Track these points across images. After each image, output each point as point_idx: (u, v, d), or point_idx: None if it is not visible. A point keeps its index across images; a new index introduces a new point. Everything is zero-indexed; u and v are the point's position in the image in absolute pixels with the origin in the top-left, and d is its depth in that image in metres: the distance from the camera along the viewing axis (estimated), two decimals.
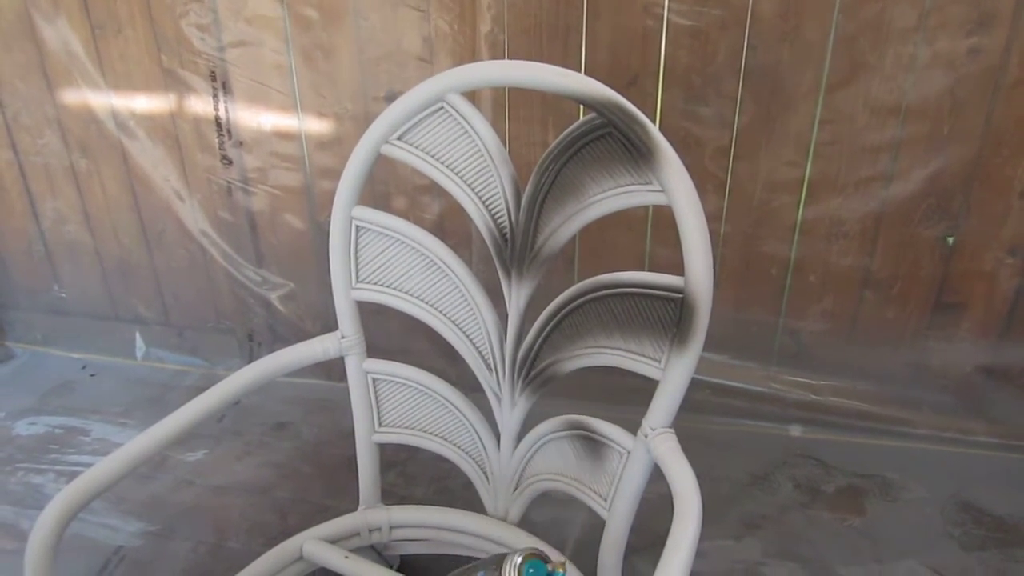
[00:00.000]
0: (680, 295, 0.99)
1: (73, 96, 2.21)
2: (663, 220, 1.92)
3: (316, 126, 2.07)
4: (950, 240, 1.82)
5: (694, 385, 1.05)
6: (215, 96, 2.09)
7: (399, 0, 1.86)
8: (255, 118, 2.10)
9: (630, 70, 1.75)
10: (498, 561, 0.96)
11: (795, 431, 2.08)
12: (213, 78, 2.08)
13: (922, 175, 1.78)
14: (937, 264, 1.86)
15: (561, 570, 0.99)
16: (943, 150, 1.75)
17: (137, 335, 2.57)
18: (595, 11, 1.77)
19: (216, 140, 2.15)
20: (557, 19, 1.81)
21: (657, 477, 1.10)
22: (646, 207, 1.86)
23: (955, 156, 1.75)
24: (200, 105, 2.12)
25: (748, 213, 1.90)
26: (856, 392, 2.06)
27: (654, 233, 1.93)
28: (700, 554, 0.81)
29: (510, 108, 1.90)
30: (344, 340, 1.31)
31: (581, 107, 1.73)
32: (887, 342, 1.99)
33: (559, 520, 1.70)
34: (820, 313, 2.00)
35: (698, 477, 0.94)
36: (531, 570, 0.95)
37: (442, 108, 1.11)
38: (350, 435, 1.43)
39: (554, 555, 1.00)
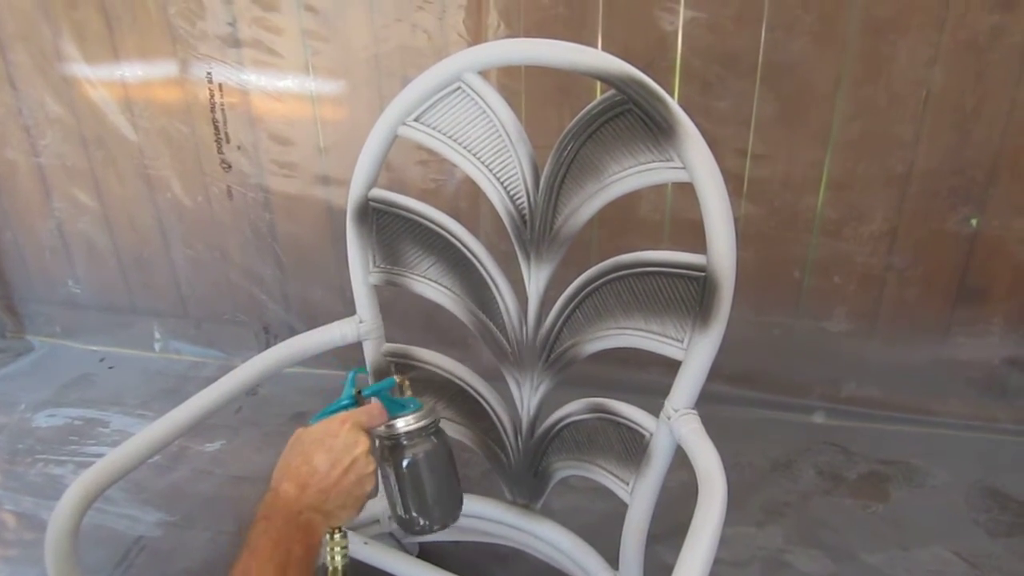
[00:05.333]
0: (703, 273, 0.97)
1: (87, 92, 2.22)
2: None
3: (330, 112, 2.07)
4: (974, 221, 1.79)
5: (712, 374, 1.03)
6: (225, 93, 2.09)
7: None
8: (270, 111, 2.10)
9: (645, 65, 1.74)
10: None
11: (817, 418, 2.06)
12: (210, 79, 2.09)
13: (946, 160, 1.76)
14: (961, 248, 1.84)
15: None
16: (967, 134, 1.73)
17: (155, 327, 2.57)
18: (609, 5, 1.76)
19: (224, 132, 2.15)
20: (571, 13, 1.80)
21: (676, 465, 1.08)
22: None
23: (979, 139, 1.72)
24: (212, 99, 2.12)
25: (769, 213, 1.89)
26: (879, 383, 2.03)
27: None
28: (722, 541, 0.79)
29: (526, 93, 1.89)
30: (362, 325, 1.30)
31: (598, 89, 1.72)
32: (912, 333, 1.97)
33: (580, 508, 1.69)
34: (844, 314, 1.98)
35: None
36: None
37: (459, 88, 1.09)
38: None
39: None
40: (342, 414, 0.93)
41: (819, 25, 1.69)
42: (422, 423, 0.99)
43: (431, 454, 1.00)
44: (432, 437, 1.01)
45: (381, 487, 1.03)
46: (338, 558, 0.96)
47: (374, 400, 0.99)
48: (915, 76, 1.69)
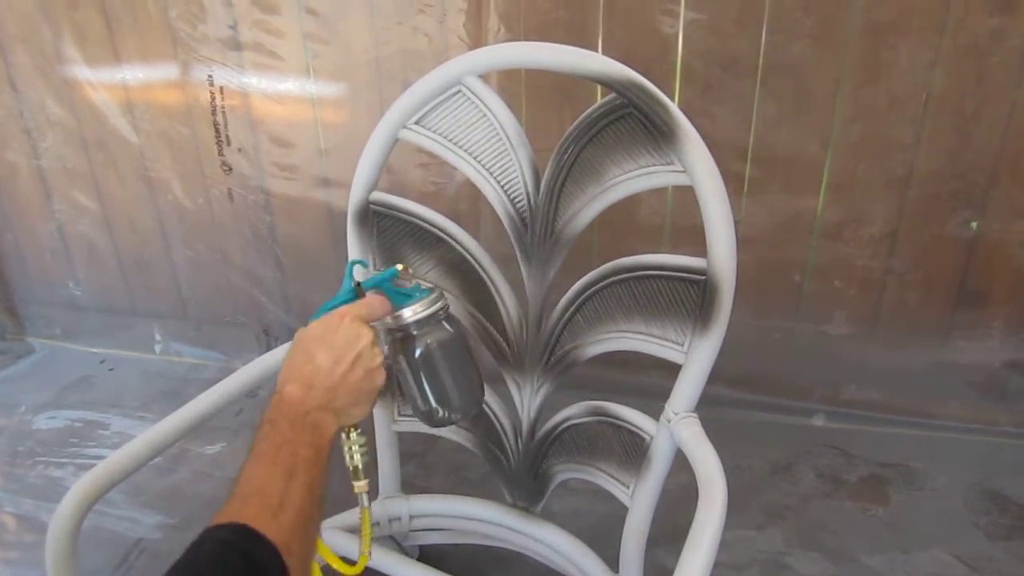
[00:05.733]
0: (703, 277, 0.97)
1: (88, 94, 2.22)
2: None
3: (331, 115, 2.07)
4: (974, 224, 1.79)
5: (712, 377, 1.03)
6: (224, 95, 2.09)
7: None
8: (271, 113, 2.10)
9: (645, 68, 1.74)
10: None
11: (817, 421, 2.06)
12: (211, 82, 2.09)
13: (946, 163, 1.76)
14: (961, 251, 1.84)
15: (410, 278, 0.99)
16: (967, 137, 1.73)
17: (155, 329, 2.58)
18: (610, 7, 1.76)
19: (225, 135, 2.15)
20: (571, 16, 1.80)
21: (677, 468, 1.08)
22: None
23: (980, 142, 1.72)
24: (214, 100, 2.12)
25: (768, 216, 1.89)
26: (879, 385, 2.03)
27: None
28: (722, 544, 0.79)
29: (526, 95, 1.89)
30: None
31: (599, 92, 1.72)
32: (912, 337, 1.97)
33: (580, 511, 1.69)
34: (844, 317, 1.98)
35: None
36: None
37: (459, 91, 1.10)
38: (369, 427, 1.41)
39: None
40: (340, 309, 0.90)
41: (819, 28, 1.69)
42: (431, 310, 0.95)
43: (444, 341, 0.97)
44: (443, 323, 0.98)
45: (397, 382, 1.00)
46: (356, 456, 0.95)
47: (375, 292, 0.96)
48: (915, 79, 1.70)
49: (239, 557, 0.68)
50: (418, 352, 0.97)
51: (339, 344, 0.86)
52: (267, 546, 0.69)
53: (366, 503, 0.99)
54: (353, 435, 0.94)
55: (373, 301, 0.93)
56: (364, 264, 0.95)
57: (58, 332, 2.73)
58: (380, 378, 0.90)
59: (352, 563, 1.02)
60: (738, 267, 0.96)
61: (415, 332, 0.96)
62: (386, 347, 1.00)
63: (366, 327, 0.89)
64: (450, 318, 0.99)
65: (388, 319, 0.95)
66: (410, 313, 0.95)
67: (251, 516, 0.71)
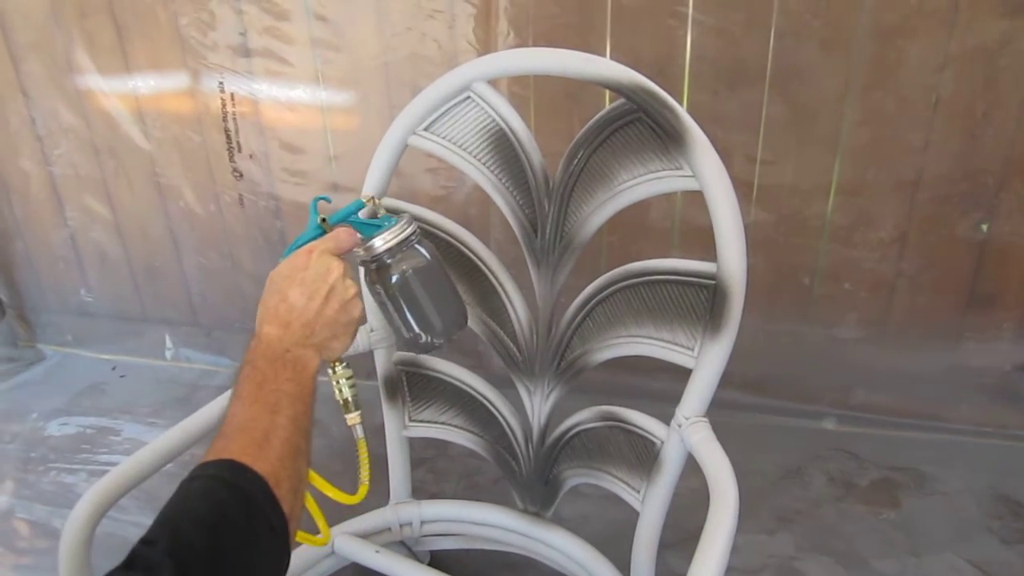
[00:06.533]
0: (713, 282, 0.97)
1: (99, 102, 2.23)
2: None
3: (341, 121, 2.07)
4: (984, 227, 1.79)
5: (722, 381, 1.03)
6: (235, 109, 2.10)
7: (419, 4, 1.86)
8: (281, 120, 2.11)
9: (654, 72, 1.74)
10: None
11: (828, 425, 2.06)
12: (221, 88, 2.10)
13: (956, 165, 1.75)
14: (972, 254, 1.83)
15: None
16: (977, 139, 1.72)
17: (166, 335, 2.58)
18: (619, 11, 1.76)
19: (236, 141, 2.16)
20: (580, 21, 1.80)
21: (688, 472, 1.08)
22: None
23: (989, 144, 1.72)
24: (224, 109, 2.13)
25: (778, 219, 1.89)
26: (890, 389, 2.03)
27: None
28: (733, 548, 0.79)
29: (535, 99, 1.89)
30: (373, 333, 1.30)
31: (607, 98, 1.72)
32: (922, 340, 1.96)
33: (591, 516, 1.69)
34: (855, 320, 1.97)
35: None
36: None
37: (469, 97, 1.10)
38: (379, 433, 1.42)
39: None
40: (307, 245, 0.90)
41: (827, 31, 1.69)
42: (400, 236, 0.94)
43: (418, 266, 0.97)
44: (416, 248, 0.97)
45: (376, 313, 0.99)
46: (345, 390, 0.96)
47: (342, 226, 0.95)
48: (924, 82, 1.69)
49: (226, 489, 0.70)
50: (394, 279, 0.96)
51: (310, 279, 0.86)
52: (254, 477, 0.71)
53: (360, 434, 1.00)
54: (339, 369, 0.95)
55: (340, 234, 0.92)
56: (327, 199, 0.94)
57: (70, 339, 2.74)
58: (356, 309, 0.90)
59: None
60: (748, 271, 0.96)
61: (388, 260, 0.95)
62: (362, 278, 1.00)
63: (336, 259, 0.89)
64: (422, 243, 0.98)
65: (360, 251, 0.95)
66: (381, 242, 0.94)
67: (236, 451, 0.73)
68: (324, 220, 0.94)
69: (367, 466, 1.02)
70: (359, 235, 0.94)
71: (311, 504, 0.95)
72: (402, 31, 1.90)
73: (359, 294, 0.90)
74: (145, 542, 0.64)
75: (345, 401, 0.97)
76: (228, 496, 0.69)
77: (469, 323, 1.22)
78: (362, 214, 0.98)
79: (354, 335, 0.92)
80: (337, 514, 1.49)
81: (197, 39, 2.05)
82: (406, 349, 1.04)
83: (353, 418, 0.99)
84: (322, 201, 0.95)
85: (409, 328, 0.99)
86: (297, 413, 0.79)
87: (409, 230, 0.95)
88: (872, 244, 1.86)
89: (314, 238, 0.92)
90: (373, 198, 1.00)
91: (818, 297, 1.96)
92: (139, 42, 2.12)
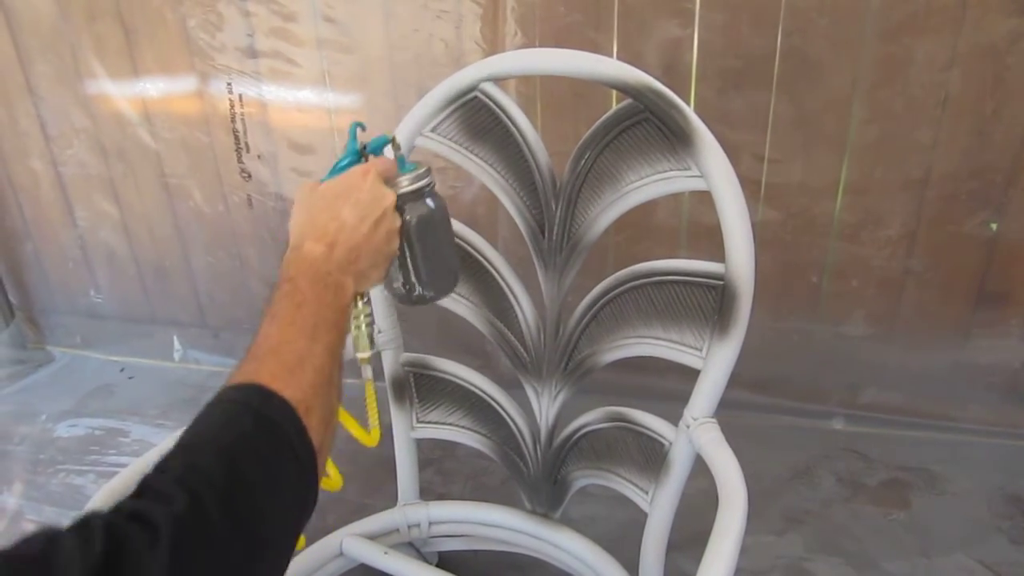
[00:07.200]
0: (721, 282, 0.97)
1: (108, 103, 2.24)
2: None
3: (348, 121, 2.07)
4: (993, 226, 1.78)
5: (730, 381, 1.03)
6: (242, 109, 2.10)
7: (426, 4, 1.86)
8: (289, 120, 2.11)
9: (661, 72, 1.74)
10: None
11: (837, 424, 2.05)
12: (230, 89, 2.10)
13: (964, 163, 1.75)
14: (980, 252, 1.82)
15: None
16: (986, 137, 1.71)
17: (174, 337, 2.59)
18: (625, 11, 1.76)
19: (244, 142, 2.16)
20: (587, 20, 1.80)
21: (696, 473, 1.08)
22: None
23: (998, 142, 1.71)
24: (231, 111, 2.13)
25: (785, 218, 1.88)
26: (898, 388, 2.02)
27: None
28: (742, 550, 0.78)
29: (541, 99, 1.89)
30: (380, 335, 1.30)
31: (614, 98, 1.72)
32: (931, 338, 1.96)
33: (599, 517, 1.68)
34: (863, 318, 1.97)
35: None
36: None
37: (476, 97, 1.10)
38: (387, 433, 1.42)
39: None
40: (362, 166, 0.85)
41: (835, 29, 1.68)
42: (422, 182, 0.90)
43: (425, 216, 0.92)
44: (432, 197, 0.93)
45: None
46: (364, 326, 0.91)
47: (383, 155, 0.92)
48: (932, 80, 1.68)
49: (249, 416, 0.64)
50: (410, 220, 0.91)
51: (365, 202, 0.82)
52: (281, 403, 0.65)
53: (369, 375, 0.96)
54: (360, 304, 0.91)
55: (387, 162, 0.89)
56: (363, 127, 0.91)
57: (78, 341, 2.74)
58: (396, 242, 0.87)
59: None
60: (755, 270, 0.95)
61: (405, 204, 0.90)
62: None
63: (388, 187, 0.86)
64: (436, 196, 0.95)
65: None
66: (406, 181, 0.90)
67: (266, 375, 0.67)
68: (364, 147, 0.90)
69: (375, 409, 0.99)
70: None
71: None
72: (409, 32, 1.90)
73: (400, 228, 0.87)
74: (159, 469, 0.60)
75: (360, 336, 0.92)
76: (252, 424, 0.64)
77: (476, 324, 1.22)
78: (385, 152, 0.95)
79: (386, 272, 0.88)
80: (345, 515, 1.50)
81: (205, 41, 2.05)
82: (394, 298, 1.00)
83: (365, 357, 0.94)
84: (360, 128, 0.92)
85: (407, 277, 0.95)
86: (333, 342, 0.74)
87: (427, 179, 0.92)
88: (880, 242, 1.86)
89: (352, 163, 0.88)
90: (395, 139, 0.95)
91: (826, 295, 1.95)
92: (147, 44, 2.12)
